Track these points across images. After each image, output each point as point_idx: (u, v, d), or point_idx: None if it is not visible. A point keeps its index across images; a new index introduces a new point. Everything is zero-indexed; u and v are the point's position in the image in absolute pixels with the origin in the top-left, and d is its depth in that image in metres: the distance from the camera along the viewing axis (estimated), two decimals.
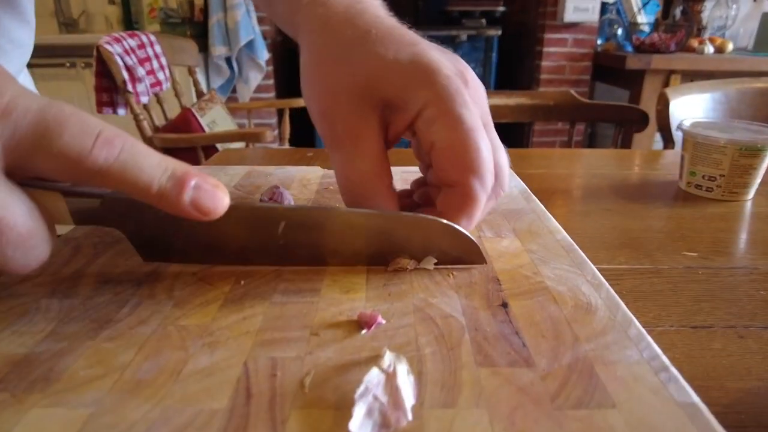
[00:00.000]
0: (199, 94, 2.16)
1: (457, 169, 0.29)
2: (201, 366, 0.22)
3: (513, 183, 0.47)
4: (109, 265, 0.32)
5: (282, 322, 0.25)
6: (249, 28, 2.39)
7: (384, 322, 0.25)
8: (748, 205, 0.58)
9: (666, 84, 2.19)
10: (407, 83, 0.29)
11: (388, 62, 0.29)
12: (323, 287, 0.29)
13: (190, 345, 0.24)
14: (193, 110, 1.91)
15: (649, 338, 0.24)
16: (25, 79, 0.58)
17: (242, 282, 0.29)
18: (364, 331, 0.24)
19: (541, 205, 0.42)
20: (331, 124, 0.31)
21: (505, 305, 0.27)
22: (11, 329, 0.25)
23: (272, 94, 2.65)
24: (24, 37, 0.49)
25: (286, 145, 2.31)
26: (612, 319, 0.26)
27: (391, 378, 0.20)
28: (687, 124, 0.63)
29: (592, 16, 2.39)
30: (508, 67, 2.85)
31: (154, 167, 0.23)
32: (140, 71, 1.76)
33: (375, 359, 0.21)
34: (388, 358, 0.21)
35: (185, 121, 1.81)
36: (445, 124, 0.29)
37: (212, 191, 0.24)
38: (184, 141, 1.71)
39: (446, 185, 0.30)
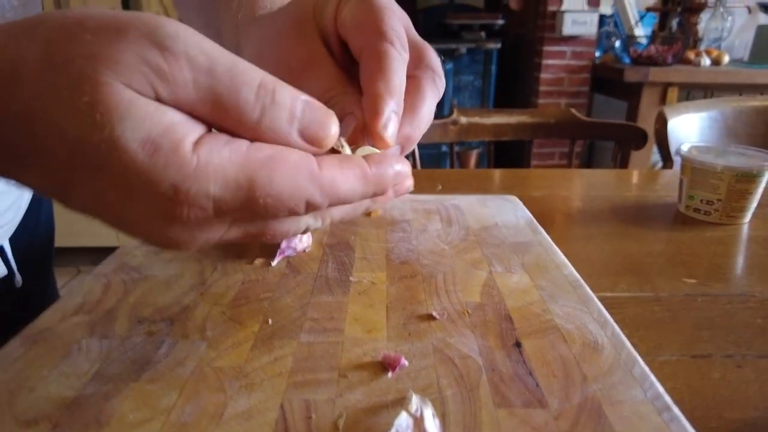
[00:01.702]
0: None
1: (365, 33, 0.27)
2: (240, 409, 0.24)
3: (519, 213, 0.49)
4: (140, 303, 0.34)
5: (311, 362, 0.27)
6: None
7: (407, 363, 0.27)
8: (745, 228, 0.60)
9: (664, 96, 2.22)
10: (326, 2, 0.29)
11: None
12: (346, 326, 0.30)
13: (227, 387, 0.25)
14: None
15: (653, 377, 0.26)
16: None
17: (269, 321, 0.31)
18: (389, 374, 0.26)
19: (547, 237, 0.44)
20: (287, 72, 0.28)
21: (518, 344, 0.29)
22: (58, 370, 0.27)
23: None
24: None
25: None
26: (617, 357, 0.28)
27: (419, 422, 0.21)
28: (685, 148, 0.65)
29: (590, 29, 2.42)
30: (508, 79, 2.88)
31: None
32: None
33: (401, 402, 0.23)
34: (414, 402, 0.22)
35: None
36: (357, 4, 0.27)
37: None
38: None
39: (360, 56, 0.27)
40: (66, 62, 0.17)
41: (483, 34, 2.61)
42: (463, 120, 1.08)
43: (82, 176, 0.18)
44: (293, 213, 0.20)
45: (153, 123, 0.18)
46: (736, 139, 1.02)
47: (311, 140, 0.21)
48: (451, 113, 1.11)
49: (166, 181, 0.18)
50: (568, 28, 2.41)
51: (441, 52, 2.52)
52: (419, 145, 1.20)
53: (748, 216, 0.61)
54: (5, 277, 0.51)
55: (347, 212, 0.24)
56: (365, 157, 0.22)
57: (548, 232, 0.47)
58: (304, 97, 0.21)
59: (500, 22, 2.67)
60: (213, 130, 0.19)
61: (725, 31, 2.55)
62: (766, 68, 2.20)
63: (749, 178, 0.58)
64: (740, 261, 0.52)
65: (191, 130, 0.18)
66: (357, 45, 0.27)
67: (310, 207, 0.20)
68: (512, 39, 2.84)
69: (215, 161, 0.18)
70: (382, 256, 0.40)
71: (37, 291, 0.59)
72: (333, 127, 0.21)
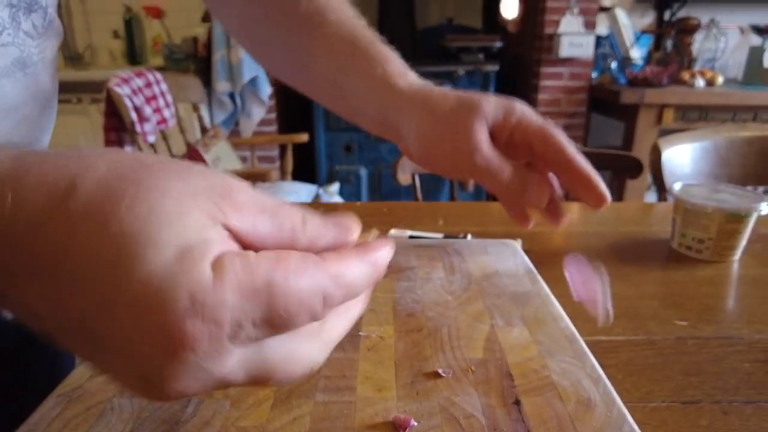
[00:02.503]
0: (203, 130, 2.22)
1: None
2: None
3: (518, 260, 0.51)
4: None
5: (327, 423, 0.30)
6: (252, 64, 2.46)
7: (415, 424, 0.29)
8: (736, 266, 0.62)
9: (660, 116, 2.26)
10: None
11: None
12: (358, 385, 0.33)
13: None
14: (198, 147, 1.97)
15: None
16: None
17: None
18: None
19: (545, 286, 0.46)
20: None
21: (518, 402, 0.31)
22: (95, 430, 0.29)
23: (274, 128, 2.72)
24: (51, 119, 0.52)
25: (289, 179, 2.37)
26: (608, 416, 0.30)
27: None
28: (677, 187, 0.68)
29: (587, 51, 2.47)
30: None
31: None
32: (147, 110, 1.82)
33: None
34: None
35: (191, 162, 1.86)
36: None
37: None
38: None
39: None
40: (131, 171, 0.18)
41: (481, 56, 2.65)
42: None
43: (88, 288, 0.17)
44: (313, 314, 0.20)
45: (198, 233, 0.18)
46: (729, 168, 1.05)
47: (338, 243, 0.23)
48: None
49: (185, 288, 0.17)
50: (565, 50, 2.46)
51: (439, 75, 2.57)
52: (420, 173, 1.23)
53: (738, 254, 0.63)
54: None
55: (346, 327, 0.25)
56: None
57: (546, 272, 0.50)
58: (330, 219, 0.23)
59: (498, 44, 2.72)
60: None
61: (719, 51, 2.60)
62: (759, 89, 2.24)
63: (738, 218, 0.61)
64: (729, 302, 0.55)
65: (223, 247, 0.19)
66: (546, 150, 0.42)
67: (327, 302, 0.20)
68: (510, 60, 2.89)
69: (229, 272, 0.18)
70: (389, 307, 0.42)
71: None
72: (355, 227, 0.24)
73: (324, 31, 0.48)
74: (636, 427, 0.29)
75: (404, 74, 0.45)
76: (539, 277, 0.48)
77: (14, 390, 0.53)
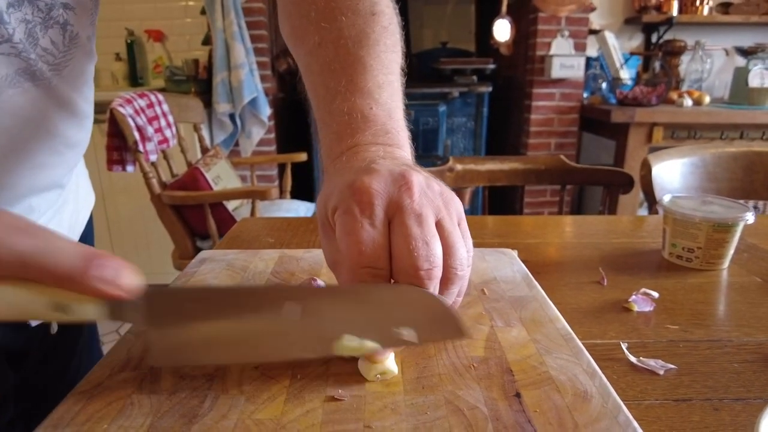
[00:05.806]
0: (204, 150, 2.25)
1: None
2: None
3: (515, 267, 0.53)
4: None
5: (339, 415, 0.31)
6: (252, 86, 2.51)
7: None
8: (724, 274, 0.65)
9: (650, 135, 2.31)
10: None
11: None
12: (367, 382, 0.34)
13: None
14: (199, 166, 1.99)
15: (635, 423, 0.31)
16: (80, 171, 0.64)
17: (298, 376, 0.35)
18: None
19: (541, 291, 0.48)
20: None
21: (518, 395, 0.33)
22: (117, 424, 0.31)
23: (273, 147, 2.75)
24: (80, 137, 0.55)
25: (288, 198, 2.39)
26: (604, 406, 0.32)
27: None
28: (667, 200, 0.70)
29: (578, 72, 2.53)
30: (499, 119, 2.98)
31: (67, 250, 0.27)
32: (149, 130, 1.85)
33: None
34: None
35: (193, 180, 1.89)
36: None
37: (116, 266, 0.29)
38: (192, 198, 1.78)
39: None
40: None
41: (475, 78, 2.71)
42: (459, 167, 1.13)
43: None
44: None
45: None
46: (716, 183, 1.08)
47: None
48: (445, 154, 1.16)
49: None
50: (557, 71, 2.52)
51: (435, 96, 2.62)
52: None
53: (726, 262, 0.66)
54: (41, 323, 0.55)
55: None
56: None
57: (542, 281, 0.52)
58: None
59: (491, 66, 2.78)
60: None
61: (705, 72, 2.67)
62: (744, 108, 2.30)
63: (725, 228, 0.64)
64: (718, 307, 0.57)
65: None
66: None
67: None
68: (503, 82, 2.95)
69: None
70: None
71: (71, 333, 0.62)
72: None
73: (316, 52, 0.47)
74: (631, 416, 0.31)
75: (349, 133, 0.42)
76: (536, 283, 0.50)
77: (43, 390, 0.54)
